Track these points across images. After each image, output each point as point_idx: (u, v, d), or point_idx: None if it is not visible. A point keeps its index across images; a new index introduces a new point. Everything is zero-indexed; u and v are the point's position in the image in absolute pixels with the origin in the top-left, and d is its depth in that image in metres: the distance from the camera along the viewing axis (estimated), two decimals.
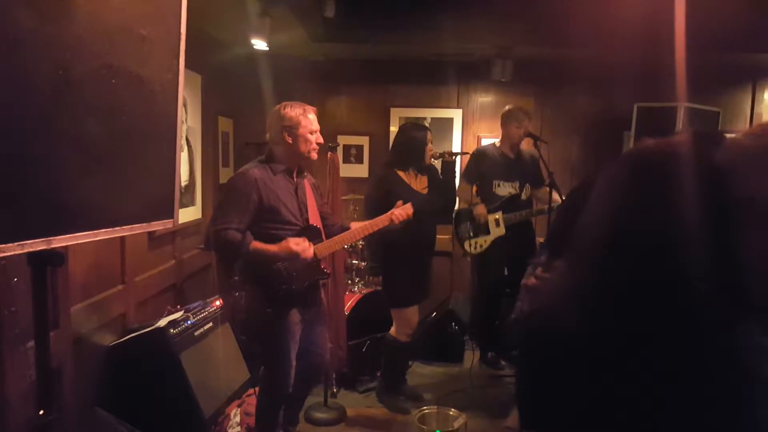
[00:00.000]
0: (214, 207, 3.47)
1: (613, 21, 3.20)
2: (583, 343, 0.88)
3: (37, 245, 1.22)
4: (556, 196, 3.56)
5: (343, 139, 4.73)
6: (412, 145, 3.39)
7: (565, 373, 0.92)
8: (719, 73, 4.51)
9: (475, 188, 3.93)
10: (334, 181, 3.41)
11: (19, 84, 1.15)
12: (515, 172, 3.88)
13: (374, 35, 4.14)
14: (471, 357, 4.08)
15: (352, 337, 3.65)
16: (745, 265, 0.81)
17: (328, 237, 2.76)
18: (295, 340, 2.64)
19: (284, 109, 2.60)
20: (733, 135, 0.92)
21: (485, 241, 3.78)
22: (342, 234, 2.77)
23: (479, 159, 3.89)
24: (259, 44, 3.54)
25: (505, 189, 3.85)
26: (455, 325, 4.31)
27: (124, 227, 1.48)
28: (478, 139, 4.90)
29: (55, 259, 1.35)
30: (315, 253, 2.62)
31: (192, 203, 3.77)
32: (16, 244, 1.16)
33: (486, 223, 3.77)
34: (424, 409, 3.09)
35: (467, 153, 4.20)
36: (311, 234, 2.66)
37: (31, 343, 1.56)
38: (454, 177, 3.62)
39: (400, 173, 3.39)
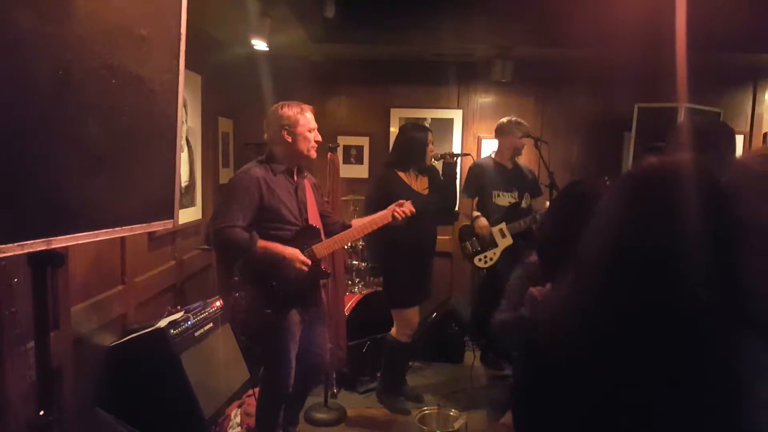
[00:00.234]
0: (216, 205, 3.47)
1: (614, 21, 3.20)
2: (586, 353, 0.89)
3: (37, 245, 1.22)
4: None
5: (343, 140, 4.72)
6: (413, 145, 3.39)
7: (567, 381, 0.92)
8: (720, 74, 4.52)
9: (475, 201, 3.93)
10: (334, 181, 3.41)
11: (19, 84, 1.15)
12: (513, 182, 3.88)
13: (374, 35, 4.14)
14: (471, 357, 4.08)
15: (352, 337, 3.65)
16: (746, 285, 0.82)
17: (329, 235, 2.75)
18: (295, 341, 2.64)
19: (281, 108, 2.62)
20: (740, 156, 0.94)
21: (494, 253, 3.76)
22: (342, 233, 2.77)
23: (477, 172, 3.89)
24: (259, 44, 3.54)
25: (505, 199, 3.85)
26: (455, 326, 4.31)
27: (124, 227, 1.48)
28: (479, 140, 4.90)
29: (55, 259, 1.35)
30: (315, 253, 2.63)
31: (192, 204, 3.77)
32: (16, 244, 1.16)
33: (491, 235, 3.77)
34: (425, 410, 3.09)
35: (468, 154, 4.20)
36: (310, 234, 2.66)
37: (32, 344, 1.55)
38: (455, 178, 3.62)
39: (401, 174, 3.38)
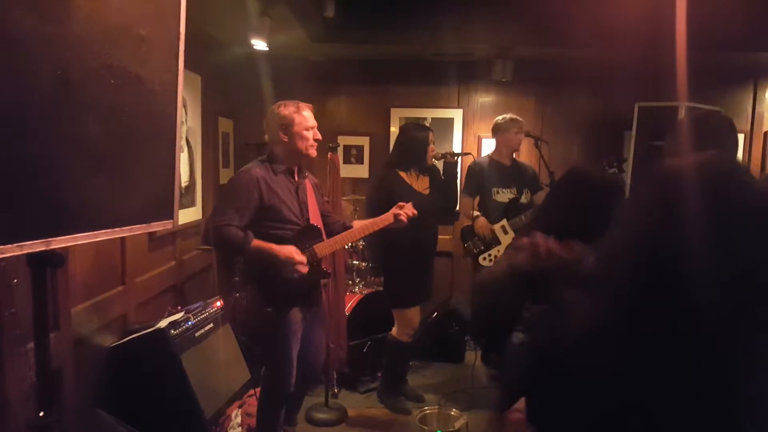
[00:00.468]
0: (215, 203, 3.46)
1: (614, 21, 3.19)
2: (606, 357, 0.90)
3: (36, 246, 1.22)
4: None
5: (343, 140, 4.71)
6: (414, 145, 3.39)
7: (581, 385, 0.94)
8: (720, 73, 4.51)
9: (476, 200, 3.93)
10: (335, 181, 3.41)
11: (19, 84, 1.15)
12: (512, 179, 3.87)
13: (374, 35, 4.13)
14: (472, 357, 4.07)
15: (353, 337, 3.65)
16: (759, 287, 0.84)
17: (330, 235, 2.76)
18: (296, 339, 2.63)
19: (278, 108, 2.62)
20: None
21: (498, 251, 3.75)
22: (344, 233, 2.77)
23: (477, 171, 3.89)
24: (259, 44, 3.54)
25: (504, 195, 3.85)
26: (456, 325, 4.30)
27: (124, 228, 1.48)
28: (479, 140, 4.89)
29: (55, 260, 1.34)
30: (316, 253, 2.63)
31: (192, 204, 3.77)
32: (15, 245, 1.16)
33: (493, 233, 3.77)
34: (426, 410, 3.08)
35: (469, 153, 4.19)
36: (311, 234, 2.66)
37: (32, 345, 1.55)
38: (456, 178, 3.61)
39: (402, 174, 3.38)
